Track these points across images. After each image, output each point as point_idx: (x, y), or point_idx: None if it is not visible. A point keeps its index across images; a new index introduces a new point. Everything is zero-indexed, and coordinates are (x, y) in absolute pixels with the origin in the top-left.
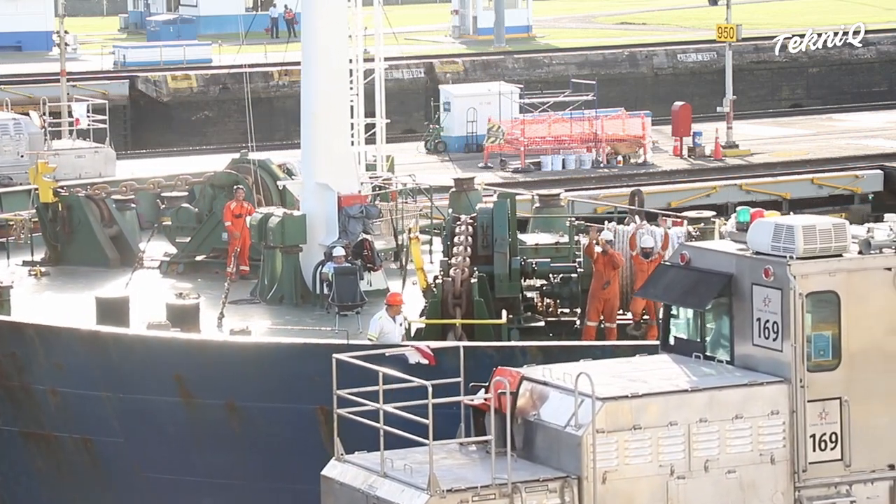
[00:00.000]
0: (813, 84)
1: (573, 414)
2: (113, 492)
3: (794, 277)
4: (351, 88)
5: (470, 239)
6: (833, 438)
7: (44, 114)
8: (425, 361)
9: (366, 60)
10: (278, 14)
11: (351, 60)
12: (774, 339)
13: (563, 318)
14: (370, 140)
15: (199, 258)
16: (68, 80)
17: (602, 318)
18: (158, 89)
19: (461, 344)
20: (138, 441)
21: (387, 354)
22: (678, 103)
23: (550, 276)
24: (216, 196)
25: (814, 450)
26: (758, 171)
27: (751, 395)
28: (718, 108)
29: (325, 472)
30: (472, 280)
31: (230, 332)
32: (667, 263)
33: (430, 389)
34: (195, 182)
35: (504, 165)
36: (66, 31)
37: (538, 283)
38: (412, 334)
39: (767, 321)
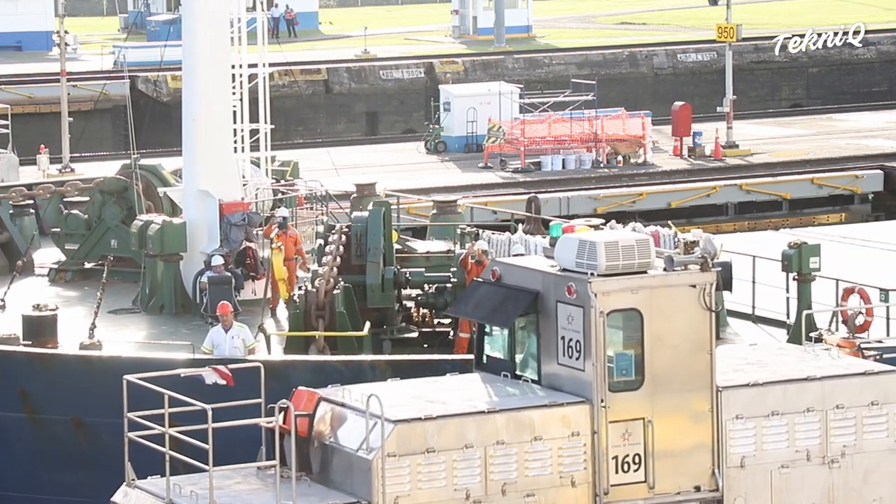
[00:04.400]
0: (813, 84)
1: (365, 437)
2: None
3: (595, 295)
4: (234, 93)
5: (342, 248)
6: (636, 460)
7: None
8: (223, 382)
9: (362, 60)
10: (279, 14)
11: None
12: (577, 359)
13: (437, 329)
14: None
15: (87, 265)
16: (68, 80)
17: (475, 329)
18: (158, 89)
19: (261, 362)
20: None
21: (182, 375)
22: (678, 103)
23: (425, 285)
24: (105, 202)
25: (616, 471)
26: (758, 171)
27: (551, 416)
28: (718, 108)
29: (114, 498)
30: (336, 291)
31: (79, 346)
32: (479, 280)
33: (209, 413)
34: (85, 188)
35: (504, 165)
36: (66, 31)
37: (414, 292)
38: (274, 347)
39: (571, 340)
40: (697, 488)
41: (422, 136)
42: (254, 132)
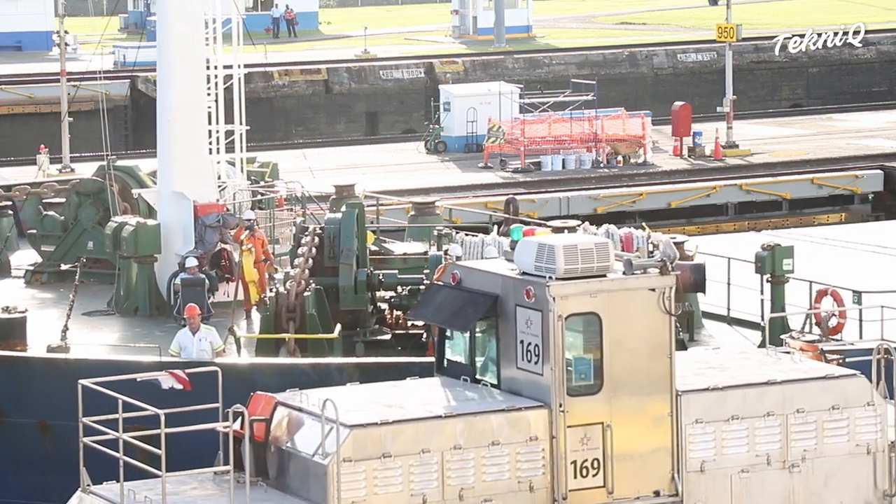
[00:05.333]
0: (813, 84)
1: (321, 442)
2: None
3: (553, 299)
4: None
5: (315, 250)
6: (595, 465)
7: None
8: (180, 386)
9: (362, 60)
10: (279, 14)
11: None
12: (536, 363)
13: (410, 331)
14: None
15: (64, 267)
16: (68, 80)
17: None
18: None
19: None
20: None
21: (138, 380)
22: (678, 103)
23: (399, 287)
24: (81, 204)
25: (575, 476)
26: (758, 171)
27: (508, 420)
28: (718, 108)
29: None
30: (307, 293)
31: (47, 349)
32: (439, 283)
33: (162, 418)
34: (61, 189)
35: (504, 165)
36: (66, 31)
37: (388, 294)
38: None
39: (530, 344)
40: (657, 493)
41: (422, 136)
42: (232, 133)
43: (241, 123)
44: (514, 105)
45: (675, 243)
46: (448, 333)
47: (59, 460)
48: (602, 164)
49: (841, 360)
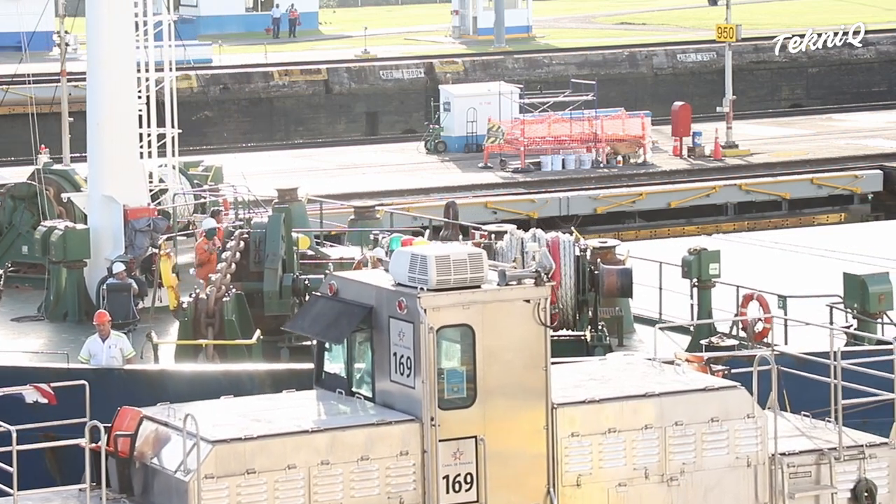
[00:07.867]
0: (813, 84)
1: (183, 458)
2: None
3: (425, 311)
4: (140, 97)
5: (240, 255)
6: (468, 479)
7: None
8: (45, 401)
9: (362, 60)
10: (281, 14)
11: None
12: (408, 376)
13: None
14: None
15: None
16: (68, 80)
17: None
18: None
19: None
20: None
21: None
22: (678, 103)
23: None
24: (16, 208)
25: (447, 491)
26: (757, 171)
27: (378, 434)
28: (718, 108)
29: None
30: (226, 298)
31: None
32: (317, 294)
33: (14, 435)
34: None
35: (504, 165)
36: (66, 32)
37: None
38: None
39: (402, 356)
40: None
41: (422, 136)
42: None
43: (172, 126)
44: (514, 105)
45: (605, 248)
46: (327, 345)
47: None
48: (602, 164)
49: (726, 372)
